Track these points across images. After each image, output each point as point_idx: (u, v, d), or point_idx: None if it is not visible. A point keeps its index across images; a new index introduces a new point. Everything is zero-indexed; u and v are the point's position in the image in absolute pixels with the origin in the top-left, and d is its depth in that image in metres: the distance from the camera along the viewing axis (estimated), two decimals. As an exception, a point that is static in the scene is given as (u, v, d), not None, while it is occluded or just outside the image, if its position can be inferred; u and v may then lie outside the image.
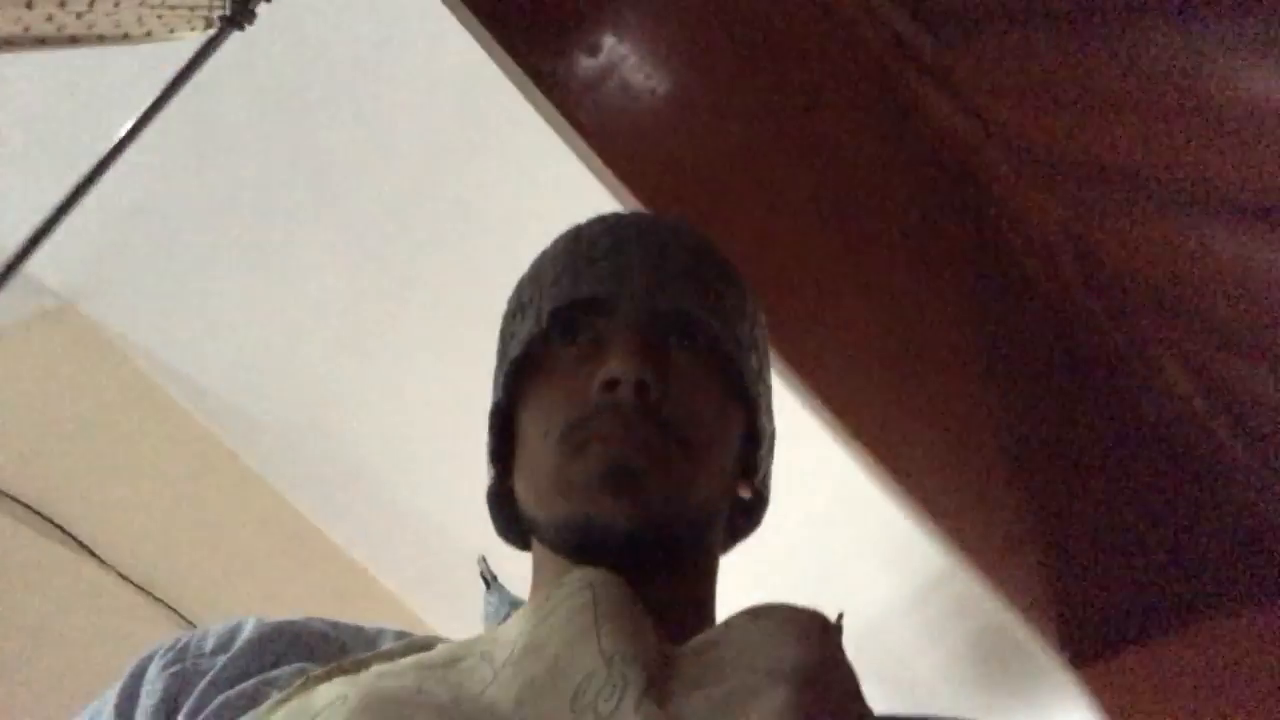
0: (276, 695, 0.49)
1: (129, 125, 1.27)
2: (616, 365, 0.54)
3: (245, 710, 0.50)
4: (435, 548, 1.87)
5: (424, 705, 0.44)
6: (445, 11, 0.90)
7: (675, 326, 0.59)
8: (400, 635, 0.60)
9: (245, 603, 1.72)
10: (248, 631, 0.57)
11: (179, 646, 0.58)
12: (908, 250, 0.82)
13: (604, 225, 0.64)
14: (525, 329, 0.61)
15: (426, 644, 0.56)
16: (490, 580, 0.63)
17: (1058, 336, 0.83)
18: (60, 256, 1.55)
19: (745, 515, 0.66)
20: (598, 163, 0.91)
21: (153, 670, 0.56)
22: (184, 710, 0.53)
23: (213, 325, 1.74)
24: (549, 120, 0.93)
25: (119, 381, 1.75)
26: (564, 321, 0.59)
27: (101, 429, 1.73)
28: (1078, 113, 0.50)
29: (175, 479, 1.74)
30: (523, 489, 0.60)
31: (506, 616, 0.58)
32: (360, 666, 0.52)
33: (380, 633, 0.61)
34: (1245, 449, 0.65)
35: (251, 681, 0.53)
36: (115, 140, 1.28)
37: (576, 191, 1.01)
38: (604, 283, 0.59)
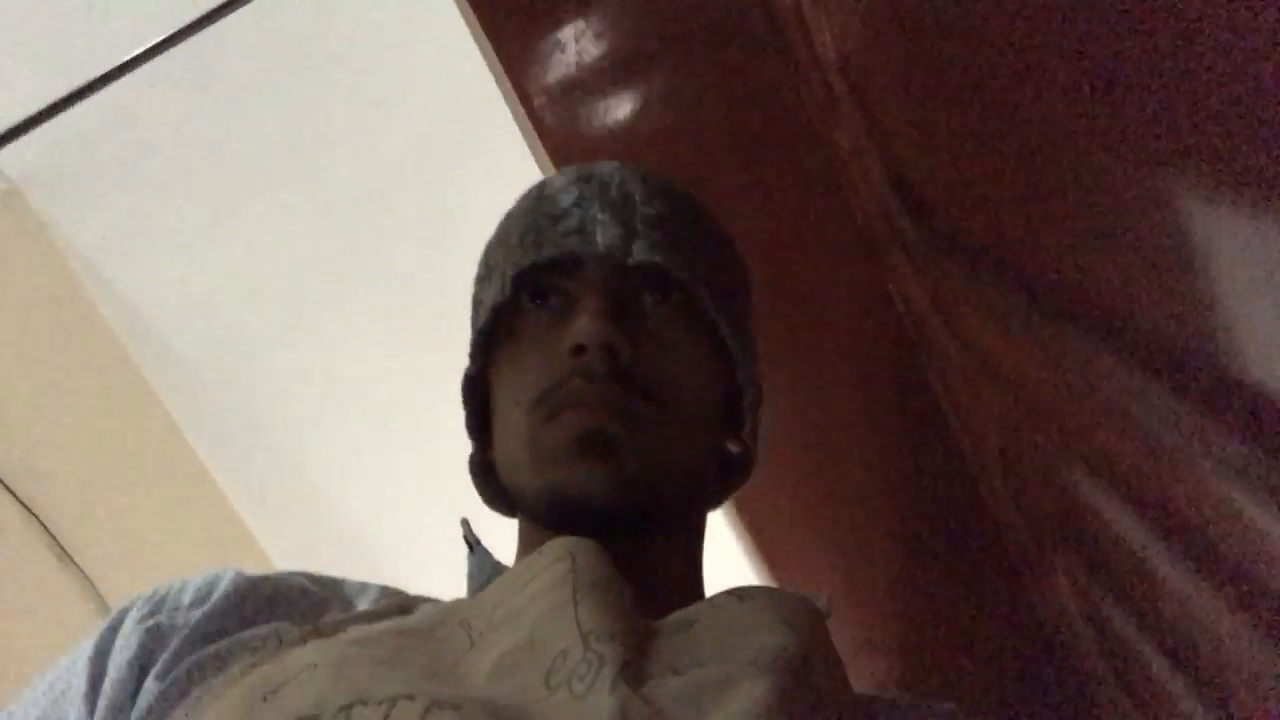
0: (248, 657, 0.48)
1: (139, 50, 1.27)
2: (582, 330, 0.52)
3: (217, 671, 0.49)
4: (324, 528, 1.87)
5: (392, 678, 0.42)
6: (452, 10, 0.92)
7: (646, 281, 0.57)
8: (385, 592, 0.59)
9: (117, 529, 1.69)
10: (224, 586, 0.55)
11: (156, 598, 0.55)
12: (857, 423, 0.89)
13: (567, 179, 0.61)
14: (491, 295, 0.58)
15: (408, 605, 0.54)
16: (473, 544, 0.61)
17: (979, 536, 0.90)
18: (23, 140, 1.52)
19: (734, 469, 0.64)
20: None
21: (128, 623, 0.54)
22: (156, 666, 0.51)
23: (161, 253, 1.72)
24: (522, 129, 0.96)
25: (49, 281, 1.72)
26: (530, 285, 0.57)
27: (16, 322, 1.68)
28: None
29: (80, 394, 1.71)
30: (501, 459, 0.58)
31: (488, 581, 0.55)
32: (336, 629, 0.50)
33: (363, 589, 0.59)
34: (1115, 677, 0.71)
35: (225, 641, 0.51)
36: (122, 60, 1.27)
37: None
38: (569, 240, 0.56)
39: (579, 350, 0.52)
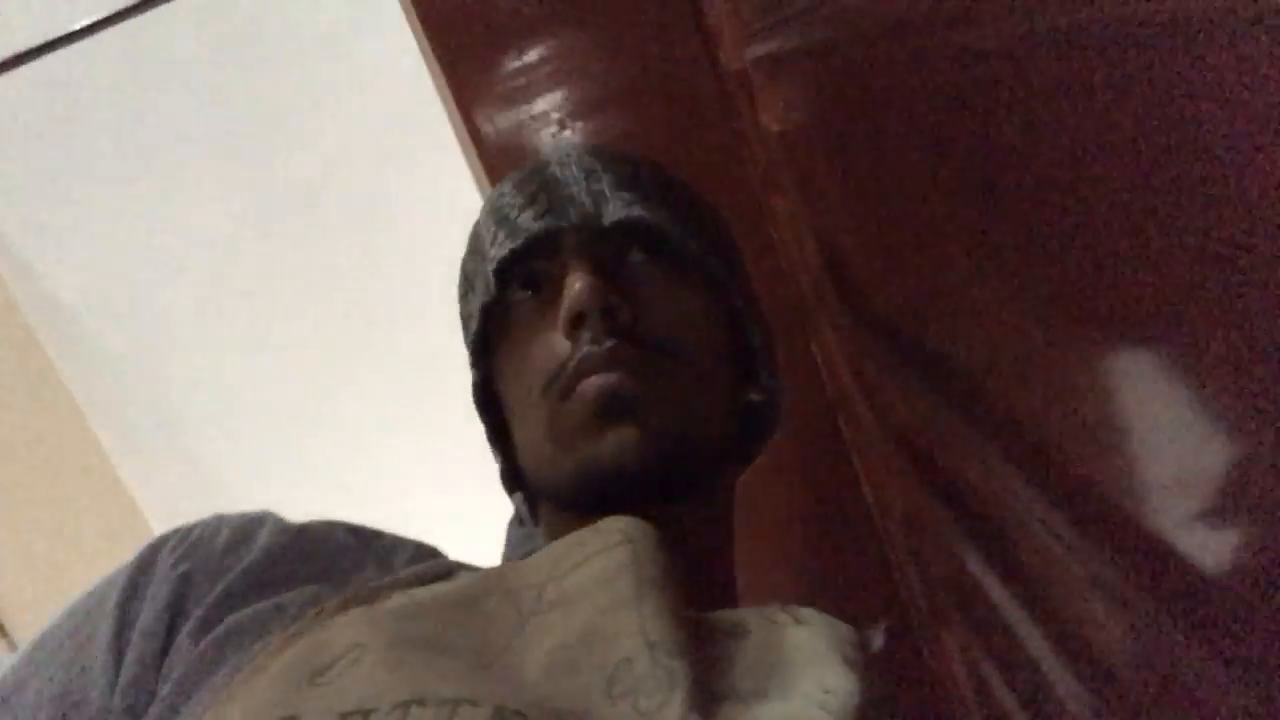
0: (288, 625, 0.46)
1: (73, 27, 1.24)
2: (577, 297, 0.51)
3: (254, 637, 0.47)
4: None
5: (449, 671, 0.40)
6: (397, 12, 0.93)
7: (629, 239, 0.56)
8: (421, 550, 0.57)
9: (9, 514, 1.62)
10: (264, 537, 0.53)
11: (190, 539, 0.53)
12: (773, 478, 0.92)
13: (523, 173, 0.60)
14: (479, 300, 0.58)
15: (444, 570, 0.53)
16: (523, 520, 0.58)
17: (882, 596, 0.94)
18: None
19: (760, 421, 0.62)
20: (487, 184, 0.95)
21: (162, 564, 0.52)
22: (190, 621, 0.49)
23: (78, 235, 1.67)
24: (464, 148, 0.97)
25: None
26: (517, 277, 0.56)
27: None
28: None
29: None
30: (525, 459, 0.57)
31: (530, 553, 0.53)
32: (378, 595, 0.47)
33: (399, 544, 0.57)
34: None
35: (264, 604, 0.49)
36: (53, 35, 1.23)
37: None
38: (541, 221, 0.55)
39: (578, 319, 0.51)
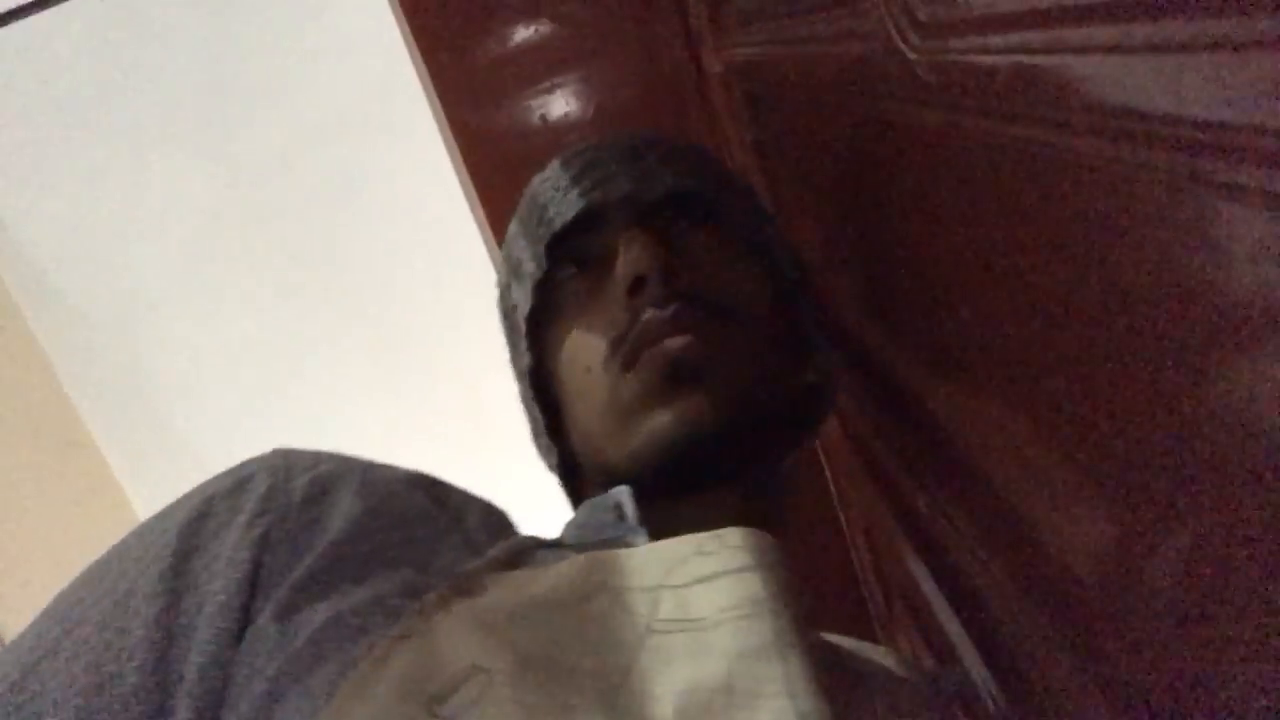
0: (389, 624, 0.41)
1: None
2: (635, 262, 0.49)
3: (356, 634, 0.41)
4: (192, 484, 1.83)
5: (583, 708, 0.37)
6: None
7: (679, 211, 0.54)
8: (490, 513, 0.53)
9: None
10: (345, 500, 0.47)
11: (260, 490, 0.47)
12: None
13: (566, 157, 0.59)
14: (528, 280, 0.56)
15: (523, 546, 0.49)
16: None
17: (851, 600, 0.96)
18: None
19: (815, 405, 0.60)
20: (465, 172, 0.96)
21: (224, 516, 0.45)
22: (272, 603, 0.43)
23: (55, 192, 1.66)
24: (440, 128, 0.98)
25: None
26: (566, 256, 0.54)
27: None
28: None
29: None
30: (582, 443, 0.54)
31: (612, 539, 0.49)
32: (473, 586, 0.43)
33: (466, 504, 0.53)
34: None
35: (360, 595, 0.43)
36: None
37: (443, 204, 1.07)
38: (590, 195, 0.54)
39: (638, 285, 0.49)
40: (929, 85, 0.33)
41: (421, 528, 0.48)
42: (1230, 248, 0.20)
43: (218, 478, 0.49)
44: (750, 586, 0.41)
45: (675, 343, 0.48)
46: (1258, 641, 0.25)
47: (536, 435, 0.61)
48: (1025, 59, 0.25)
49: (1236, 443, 0.22)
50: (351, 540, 0.45)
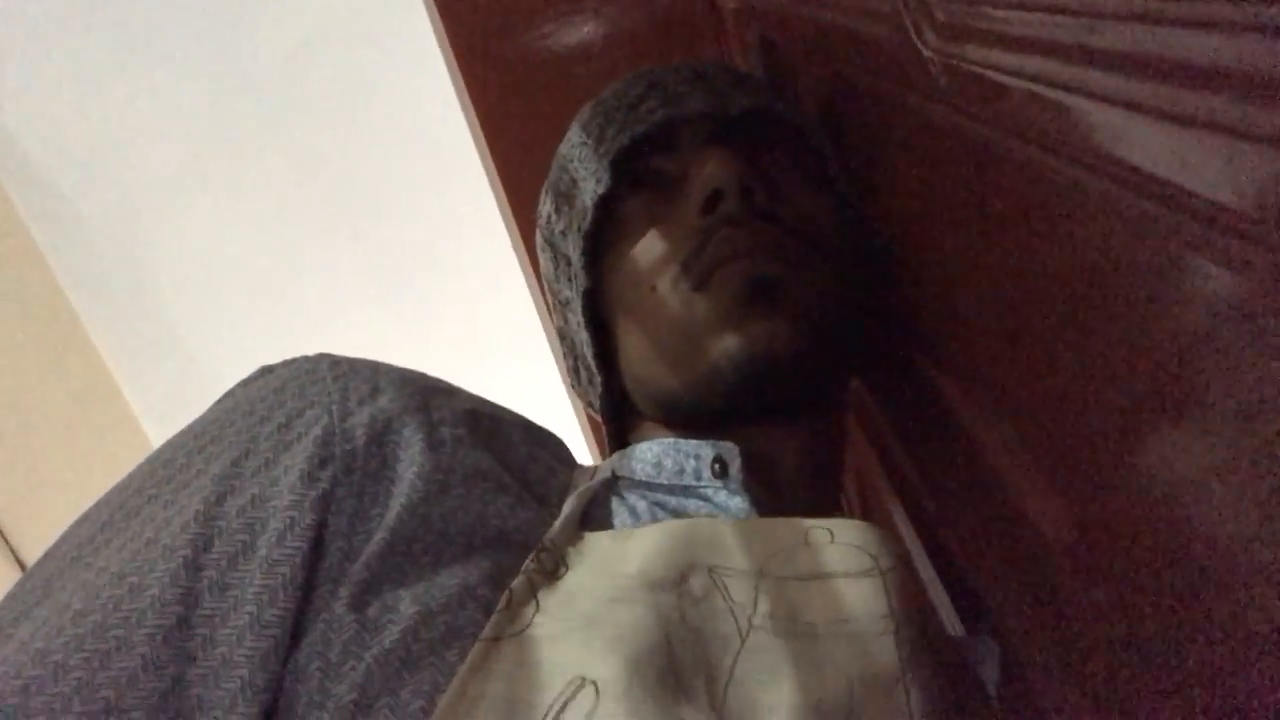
0: (484, 626, 0.38)
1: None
2: (714, 175, 0.46)
3: (449, 635, 0.37)
4: (194, 393, 1.85)
5: None
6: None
7: (748, 131, 0.52)
8: (542, 442, 0.50)
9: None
10: (412, 451, 0.42)
11: (318, 432, 0.41)
12: None
13: (627, 81, 0.56)
14: (588, 197, 0.52)
15: (593, 495, 0.46)
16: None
17: None
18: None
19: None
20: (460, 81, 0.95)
21: (296, 464, 0.40)
22: (343, 585, 0.38)
23: (54, 94, 1.63)
24: (439, 41, 0.96)
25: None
26: (631, 175, 0.51)
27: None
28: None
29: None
30: (639, 371, 0.50)
31: (695, 490, 0.47)
32: (557, 568, 0.40)
33: (524, 440, 0.48)
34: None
35: (449, 584, 0.39)
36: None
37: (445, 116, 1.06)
38: (658, 113, 0.51)
39: (713, 200, 0.46)
40: (940, 85, 0.33)
41: (490, 485, 0.44)
42: (1186, 291, 0.21)
43: (256, 394, 0.43)
44: (866, 594, 0.38)
45: (753, 263, 0.45)
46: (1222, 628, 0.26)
47: (579, 366, 0.57)
48: (1034, 87, 0.26)
49: (1189, 439, 0.24)
50: (426, 502, 0.41)
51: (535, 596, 0.39)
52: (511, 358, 1.67)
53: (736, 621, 0.38)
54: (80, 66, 1.63)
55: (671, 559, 0.39)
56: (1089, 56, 0.23)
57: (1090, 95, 0.23)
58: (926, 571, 0.65)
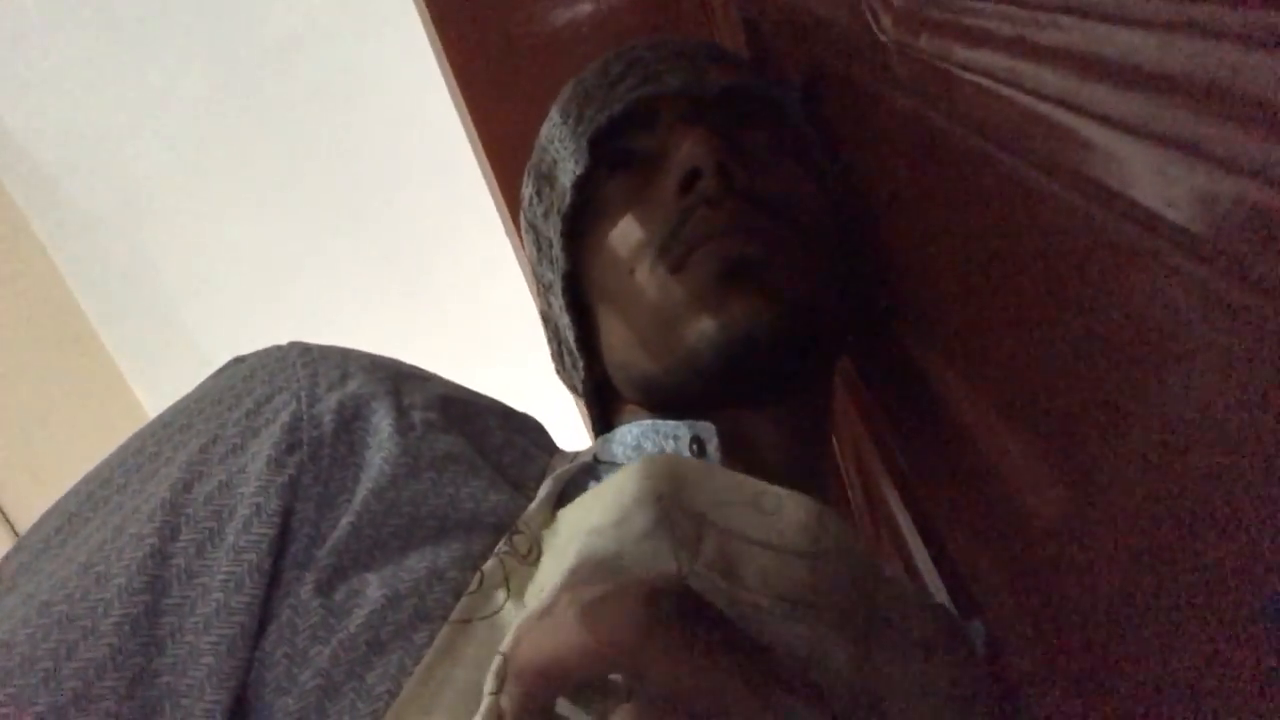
0: (452, 607, 0.37)
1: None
2: (691, 154, 0.45)
3: (416, 619, 0.37)
4: (196, 378, 1.86)
5: None
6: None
7: (728, 108, 0.51)
8: (520, 427, 0.49)
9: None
10: (380, 435, 0.41)
11: (286, 418, 0.41)
12: None
13: (606, 59, 0.55)
14: (567, 178, 0.51)
15: (570, 476, 0.45)
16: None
17: None
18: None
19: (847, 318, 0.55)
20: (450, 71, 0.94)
21: (263, 450, 0.39)
22: (310, 569, 0.37)
23: (54, 88, 1.63)
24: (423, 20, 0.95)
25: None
26: (610, 154, 0.50)
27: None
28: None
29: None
30: (619, 355, 0.50)
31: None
32: (530, 545, 0.40)
33: (499, 423, 0.48)
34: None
35: (417, 567, 0.38)
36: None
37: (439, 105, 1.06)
38: (636, 91, 0.50)
39: (692, 178, 0.45)
40: (898, 74, 0.32)
41: (462, 468, 0.43)
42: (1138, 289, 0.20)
43: (225, 382, 0.43)
44: (792, 579, 0.38)
45: (731, 243, 0.45)
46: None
47: (562, 350, 0.57)
48: (984, 81, 0.25)
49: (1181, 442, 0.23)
50: (394, 486, 0.40)
51: (507, 580, 0.38)
52: (512, 340, 1.67)
53: (678, 566, 0.37)
54: (80, 61, 1.63)
55: (618, 499, 0.39)
56: (1036, 53, 0.22)
57: (1035, 93, 0.22)
58: (921, 556, 0.65)
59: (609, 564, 0.36)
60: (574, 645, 0.27)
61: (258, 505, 0.38)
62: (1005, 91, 0.23)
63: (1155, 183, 0.18)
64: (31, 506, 1.60)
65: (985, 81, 0.24)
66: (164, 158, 1.72)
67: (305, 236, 1.79)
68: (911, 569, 0.70)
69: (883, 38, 0.32)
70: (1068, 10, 0.20)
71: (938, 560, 0.61)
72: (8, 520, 1.58)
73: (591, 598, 0.28)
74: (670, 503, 0.38)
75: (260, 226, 1.78)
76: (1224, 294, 0.17)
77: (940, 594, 0.61)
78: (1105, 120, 0.19)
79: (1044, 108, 0.22)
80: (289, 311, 1.84)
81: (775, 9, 0.60)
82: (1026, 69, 0.22)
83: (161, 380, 1.89)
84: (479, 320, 1.85)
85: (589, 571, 0.35)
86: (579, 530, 0.38)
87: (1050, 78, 0.21)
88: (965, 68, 0.26)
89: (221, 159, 1.73)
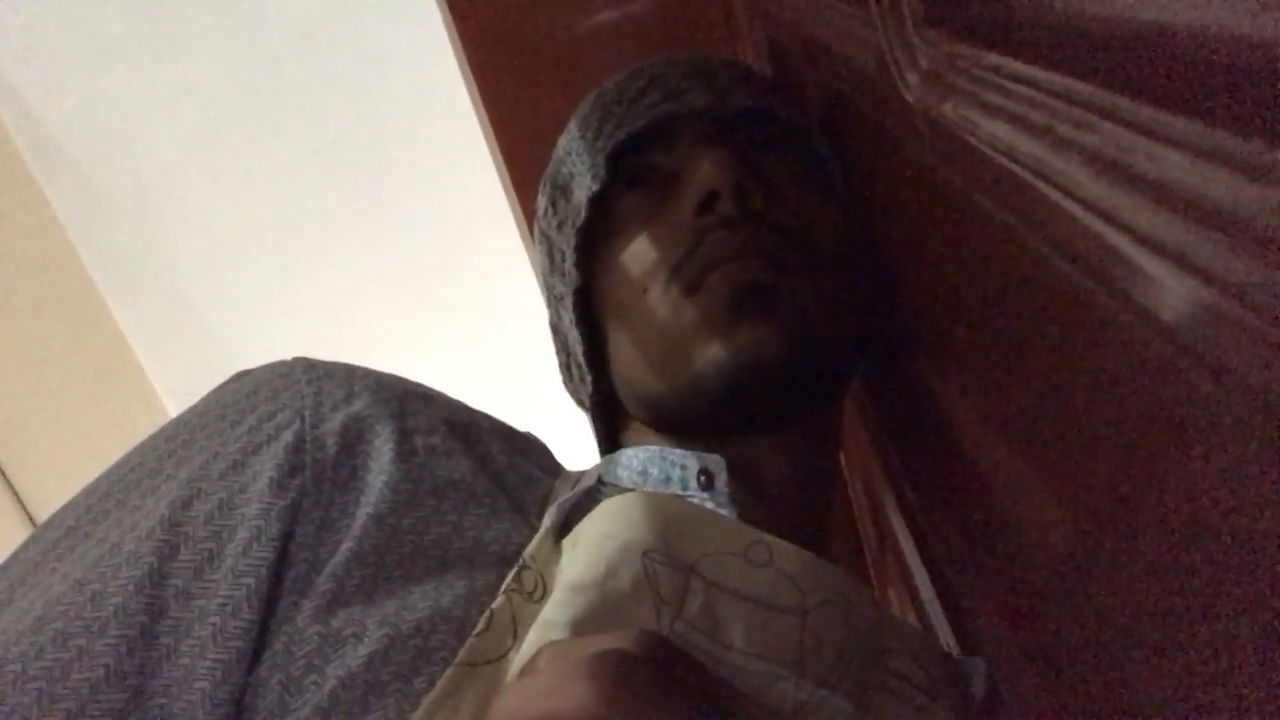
0: (458, 650, 0.36)
1: None
2: (709, 176, 0.45)
3: (419, 660, 0.36)
4: (215, 366, 1.86)
5: None
6: None
7: (749, 130, 0.50)
8: (523, 449, 0.49)
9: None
10: (381, 459, 0.41)
11: (290, 438, 0.40)
12: None
13: (628, 74, 0.54)
14: (583, 193, 0.50)
15: (574, 501, 0.44)
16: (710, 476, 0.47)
17: None
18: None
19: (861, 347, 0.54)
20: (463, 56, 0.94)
21: (265, 471, 0.39)
22: (309, 597, 0.37)
23: (72, 62, 1.63)
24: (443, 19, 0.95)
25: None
26: (628, 170, 0.50)
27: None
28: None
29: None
30: (627, 374, 0.49)
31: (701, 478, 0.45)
32: (536, 588, 0.39)
33: (502, 446, 0.47)
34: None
35: (422, 605, 0.38)
36: None
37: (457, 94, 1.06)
38: (661, 107, 0.49)
39: (709, 201, 0.45)
40: (922, 132, 0.31)
41: (462, 496, 0.43)
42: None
43: (229, 397, 0.43)
44: (779, 637, 0.37)
45: (746, 268, 0.44)
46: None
47: (571, 364, 0.56)
48: (1011, 165, 0.24)
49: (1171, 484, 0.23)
50: (394, 513, 0.40)
51: (515, 621, 0.38)
52: (518, 324, 1.67)
53: (659, 625, 0.37)
54: (101, 43, 1.63)
55: (604, 550, 0.38)
56: (1066, 148, 0.21)
57: (1061, 188, 0.22)
58: (924, 585, 0.65)
59: (591, 623, 0.36)
60: (547, 711, 0.27)
61: (258, 529, 0.37)
62: (1028, 178, 0.23)
63: (1169, 296, 0.18)
64: (41, 483, 1.61)
65: (1010, 164, 0.24)
66: (180, 135, 1.73)
67: (319, 222, 1.80)
68: (915, 596, 0.70)
69: (908, 96, 0.32)
70: (1104, 114, 0.19)
71: (941, 594, 0.61)
72: (15, 495, 1.59)
73: (565, 664, 0.28)
74: (656, 556, 0.37)
75: (275, 210, 1.78)
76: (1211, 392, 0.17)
77: (942, 624, 0.60)
78: (1128, 230, 0.19)
79: (1068, 205, 0.21)
80: (301, 296, 1.84)
81: (800, 39, 0.59)
82: (1055, 162, 0.22)
83: (173, 357, 1.90)
84: (490, 308, 1.85)
85: (571, 631, 0.35)
86: (565, 584, 0.38)
87: (1079, 176, 0.21)
88: (991, 145, 0.25)
89: (239, 141, 1.73)
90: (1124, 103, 0.19)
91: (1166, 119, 0.17)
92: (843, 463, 0.68)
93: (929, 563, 0.63)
